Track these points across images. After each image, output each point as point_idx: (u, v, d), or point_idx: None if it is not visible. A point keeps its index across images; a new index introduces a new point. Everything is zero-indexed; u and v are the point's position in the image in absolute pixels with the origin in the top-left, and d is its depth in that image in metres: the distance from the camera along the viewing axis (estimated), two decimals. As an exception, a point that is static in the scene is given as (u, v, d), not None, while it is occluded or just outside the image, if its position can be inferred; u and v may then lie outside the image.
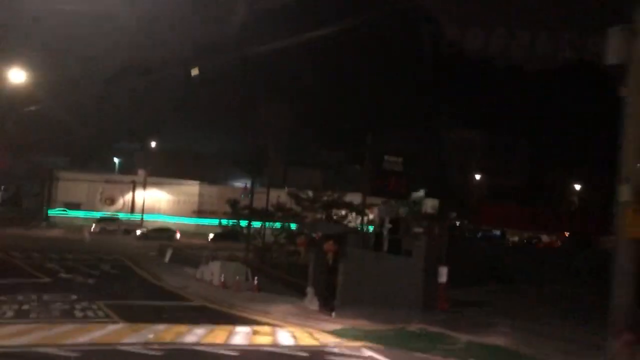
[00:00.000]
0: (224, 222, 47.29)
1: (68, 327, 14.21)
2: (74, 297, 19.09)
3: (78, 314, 16.73)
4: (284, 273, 27.28)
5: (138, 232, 53.90)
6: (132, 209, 62.58)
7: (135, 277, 28.31)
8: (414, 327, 14.97)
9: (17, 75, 22.94)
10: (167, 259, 35.88)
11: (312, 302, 18.41)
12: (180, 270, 30.85)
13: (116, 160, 71.31)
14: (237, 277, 23.29)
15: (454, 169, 61.44)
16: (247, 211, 38.35)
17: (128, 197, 62.61)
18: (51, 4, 25.84)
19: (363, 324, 15.71)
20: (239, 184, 69.89)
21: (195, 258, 32.51)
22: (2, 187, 66.96)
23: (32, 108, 32.51)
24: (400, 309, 16.82)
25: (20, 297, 18.36)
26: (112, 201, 61.81)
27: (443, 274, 17.06)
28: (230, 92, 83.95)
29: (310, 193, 37.32)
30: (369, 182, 28.09)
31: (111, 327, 14.54)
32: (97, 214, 60.68)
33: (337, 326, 15.49)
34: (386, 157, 24.68)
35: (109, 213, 61.47)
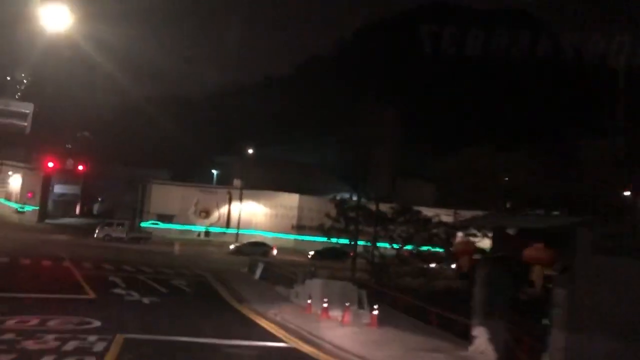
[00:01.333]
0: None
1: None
2: (95, 324, 12.32)
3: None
4: (413, 299, 19.00)
5: (231, 246, 48.13)
6: (228, 223, 57.37)
7: (209, 297, 21.56)
8: None
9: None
10: (257, 275, 29.13)
11: (487, 354, 10.01)
12: (270, 291, 23.79)
13: (214, 172, 67.09)
14: (347, 304, 15.43)
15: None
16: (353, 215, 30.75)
17: (223, 210, 57.52)
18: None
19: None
20: (343, 196, 62.76)
21: (291, 276, 25.39)
22: (100, 199, 65.14)
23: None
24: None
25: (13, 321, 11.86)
26: (206, 214, 57.07)
27: None
28: (331, 99, 78.14)
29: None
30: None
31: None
32: (191, 227, 56.10)
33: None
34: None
35: (202, 227, 56.70)
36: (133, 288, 20.60)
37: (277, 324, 15.79)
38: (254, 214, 58.15)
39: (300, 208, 58.62)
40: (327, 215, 35.11)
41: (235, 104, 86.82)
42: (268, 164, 62.51)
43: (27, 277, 22.68)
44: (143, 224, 54.41)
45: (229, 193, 57.52)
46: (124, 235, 46.37)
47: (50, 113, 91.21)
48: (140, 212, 55.76)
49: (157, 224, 54.95)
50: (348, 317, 15.25)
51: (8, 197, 58.00)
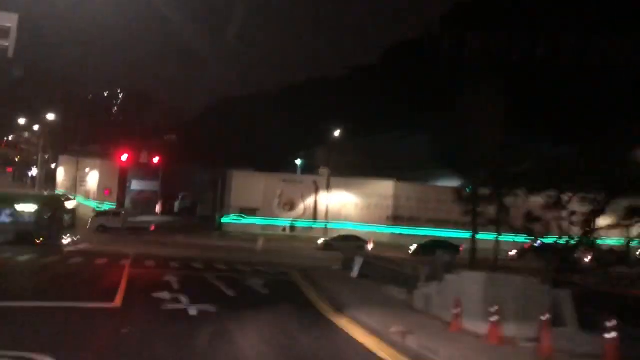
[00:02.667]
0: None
1: None
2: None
3: None
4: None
5: (320, 241, 41.86)
6: (315, 215, 51.19)
7: (293, 303, 15.08)
8: None
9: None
10: (355, 272, 22.41)
11: None
12: (376, 293, 16.98)
13: (298, 162, 61.36)
14: (544, 317, 8.09)
15: None
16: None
17: (310, 201, 51.40)
18: None
19: None
20: (448, 184, 54.58)
21: (398, 273, 18.41)
22: (180, 196, 61.48)
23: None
24: None
25: None
26: (291, 206, 51.21)
27: None
28: (422, 83, 70.30)
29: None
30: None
31: None
32: (276, 221, 50.51)
33: None
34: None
35: (287, 221, 50.92)
36: (187, 291, 14.52)
37: (411, 355, 8.89)
38: (343, 205, 51.54)
39: (397, 197, 51.28)
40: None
41: (320, 96, 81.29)
42: (357, 150, 55.71)
43: (59, 279, 17.48)
44: (225, 219, 49.48)
45: (315, 182, 51.31)
46: (119, 225, 41.14)
47: (134, 118, 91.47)
48: (221, 206, 50.94)
49: (239, 218, 49.84)
50: (548, 342, 8.02)
51: (86, 196, 55.52)
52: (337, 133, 49.37)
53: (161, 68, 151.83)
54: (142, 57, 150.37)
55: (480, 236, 50.57)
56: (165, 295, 13.77)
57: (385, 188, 51.45)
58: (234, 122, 79.48)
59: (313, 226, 51.25)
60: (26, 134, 67.90)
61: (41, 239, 27.68)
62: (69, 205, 31.24)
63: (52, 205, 29.72)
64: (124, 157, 47.26)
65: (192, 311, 11.95)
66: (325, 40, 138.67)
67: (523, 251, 39.90)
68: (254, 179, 51.13)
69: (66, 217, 29.82)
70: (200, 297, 13.61)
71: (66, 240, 29.60)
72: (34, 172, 71.79)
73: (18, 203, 28.68)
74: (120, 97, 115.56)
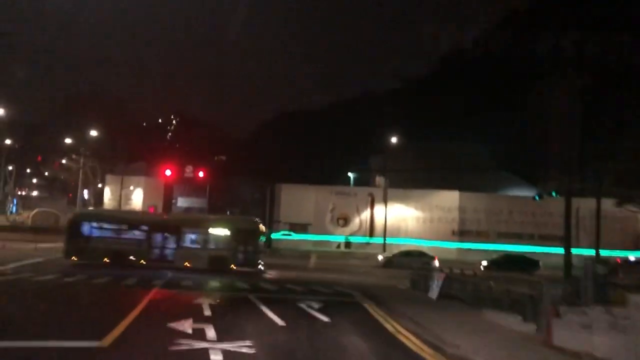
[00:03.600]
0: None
1: None
2: None
3: None
4: None
5: (380, 257, 37.38)
6: (371, 231, 46.84)
7: (367, 337, 10.81)
8: None
9: None
10: (434, 293, 18.01)
11: None
12: (477, 319, 12.45)
13: (351, 175, 57.39)
14: None
15: None
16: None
17: (365, 215, 47.12)
18: None
19: None
20: (517, 192, 49.23)
21: (502, 294, 13.92)
22: (228, 212, 58.44)
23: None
24: None
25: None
26: (345, 221, 47.09)
27: None
28: (481, 89, 65.52)
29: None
30: None
31: None
32: (328, 237, 46.49)
33: None
34: None
35: (341, 237, 46.78)
36: (219, 319, 10.63)
37: None
38: (402, 219, 46.97)
39: (462, 209, 46.35)
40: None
41: (371, 109, 77.60)
42: (414, 160, 51.13)
43: (55, 305, 13.97)
44: (274, 236, 45.80)
45: (371, 195, 47.06)
46: None
47: (186, 143, 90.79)
48: (269, 222, 47.41)
49: (289, 234, 46.08)
50: None
51: (131, 214, 53.29)
52: (394, 139, 44.98)
53: (213, 92, 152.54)
54: (194, 82, 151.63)
55: (550, 250, 44.84)
56: (186, 326, 9.92)
57: (449, 199, 46.62)
58: (283, 139, 76.83)
59: (370, 242, 46.90)
60: (74, 156, 67.14)
61: (236, 265, 25.92)
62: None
63: (247, 228, 27.32)
64: (168, 172, 44.57)
65: (216, 355, 7.98)
66: (374, 54, 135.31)
67: (615, 266, 34.31)
68: (304, 192, 47.37)
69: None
70: (236, 329, 9.76)
71: (263, 266, 27.34)
72: (85, 194, 70.95)
73: (211, 227, 26.78)
74: (174, 123, 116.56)
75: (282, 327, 11.41)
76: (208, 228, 26.63)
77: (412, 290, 22.42)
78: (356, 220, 47.20)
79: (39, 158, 50.22)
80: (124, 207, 54.34)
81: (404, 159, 51.02)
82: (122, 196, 52.63)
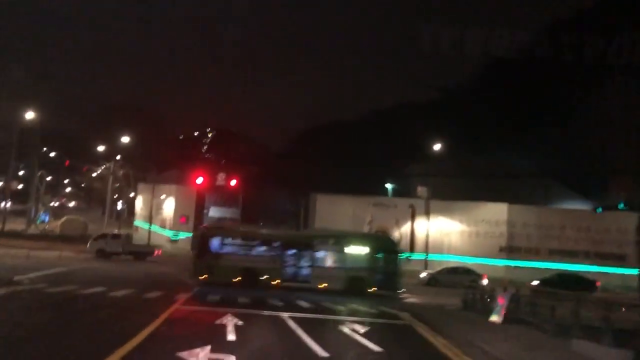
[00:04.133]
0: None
1: None
2: None
3: None
4: None
5: (422, 274, 34.63)
6: (412, 246, 43.99)
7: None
8: None
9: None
10: (498, 316, 15.30)
11: None
12: (568, 355, 9.77)
13: (389, 186, 54.76)
14: None
15: None
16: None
17: (405, 228, 44.34)
18: None
19: None
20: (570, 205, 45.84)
21: (578, 319, 11.18)
22: (261, 224, 56.46)
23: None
24: None
25: None
26: (384, 234, 44.31)
27: None
28: (526, 100, 62.26)
29: None
30: None
31: None
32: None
33: None
34: None
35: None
36: (242, 345, 8.38)
37: None
38: (446, 233, 44.01)
39: (511, 223, 43.10)
40: None
41: (409, 120, 75.11)
42: (457, 171, 48.21)
43: (64, 326, 11.94)
44: (307, 249, 43.47)
45: (412, 206, 44.28)
46: (120, 249, 36.00)
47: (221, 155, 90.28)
48: (303, 235, 45.12)
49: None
50: None
51: (162, 225, 51.75)
52: (437, 146, 42.16)
53: (247, 106, 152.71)
54: (229, 97, 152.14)
55: (608, 269, 40.92)
56: (202, 355, 7.66)
57: (496, 213, 43.47)
58: (317, 150, 75.08)
59: (410, 258, 44.01)
60: (105, 165, 66.75)
61: (375, 287, 23.73)
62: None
63: (387, 247, 25.55)
64: (199, 180, 42.93)
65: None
66: (412, 64, 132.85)
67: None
68: (340, 203, 44.94)
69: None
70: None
71: (402, 289, 25.15)
72: (119, 205, 70.36)
73: (348, 244, 24.85)
74: (210, 136, 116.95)
75: (323, 357, 9.07)
76: (345, 245, 24.54)
77: (465, 312, 19.79)
78: (395, 234, 44.38)
79: (67, 163, 49.39)
80: (155, 217, 53.03)
81: (445, 170, 48.28)
82: (154, 205, 51.30)
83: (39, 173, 42.02)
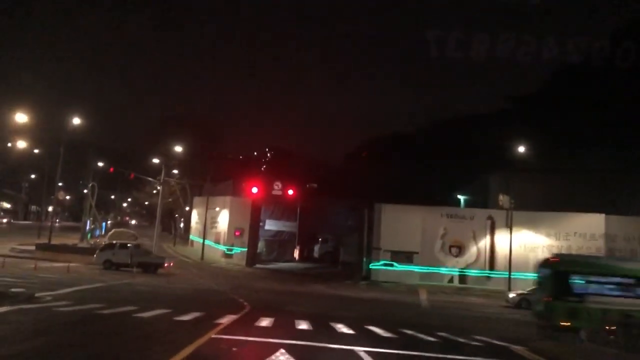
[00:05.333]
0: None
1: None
2: None
3: None
4: None
5: (511, 295, 29.44)
6: (492, 262, 38.81)
7: None
8: None
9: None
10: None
11: None
12: None
13: (461, 197, 49.72)
14: None
15: None
16: None
17: (483, 243, 39.19)
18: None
19: None
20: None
21: None
22: (320, 238, 52.65)
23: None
24: None
25: None
26: (459, 249, 39.38)
27: None
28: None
29: None
30: None
31: None
32: (438, 269, 39.12)
33: None
34: None
35: (455, 269, 39.15)
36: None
37: None
38: (531, 249, 38.48)
39: (610, 236, 37.12)
40: None
41: (476, 130, 69.69)
42: (546, 177, 42.57)
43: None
44: (373, 266, 39.08)
45: (491, 218, 39.13)
46: (128, 260, 32.00)
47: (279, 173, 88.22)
48: (368, 250, 40.82)
49: (391, 264, 39.11)
50: None
51: (217, 239, 48.83)
52: (521, 149, 36.82)
53: (305, 124, 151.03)
54: (286, 117, 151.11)
55: None
56: None
57: (591, 224, 37.58)
58: (378, 163, 70.74)
59: (490, 276, 38.81)
60: (160, 178, 65.10)
61: None
62: None
63: None
64: (255, 189, 39.75)
65: None
66: (476, 76, 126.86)
67: None
68: (408, 213, 40.34)
69: None
70: None
71: None
72: (181, 223, 68.74)
73: None
74: (269, 155, 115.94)
75: None
76: None
77: (594, 345, 14.94)
78: (472, 249, 39.33)
79: (132, 175, 47.38)
80: (210, 231, 50.27)
81: (529, 177, 42.82)
82: (208, 218, 48.60)
83: (90, 184, 40.06)
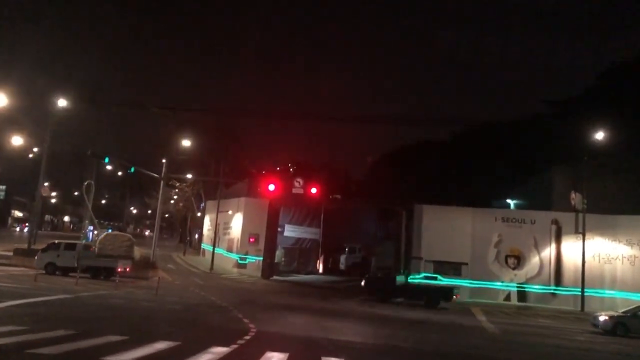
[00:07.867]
0: None
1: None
2: None
3: None
4: None
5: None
6: (558, 275, 31.92)
7: None
8: None
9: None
10: None
11: None
12: None
13: (511, 202, 43.02)
14: None
15: None
16: None
17: (546, 253, 32.32)
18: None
19: None
20: None
21: None
22: (347, 248, 46.24)
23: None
24: None
25: None
26: (517, 260, 32.54)
27: None
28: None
29: None
30: None
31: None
32: (492, 284, 32.42)
33: None
34: None
35: (512, 284, 32.39)
36: None
37: None
38: (607, 259, 31.53)
39: None
40: None
41: (522, 133, 62.89)
42: (619, 176, 35.52)
43: None
44: (412, 279, 32.35)
45: (556, 222, 32.30)
46: (74, 263, 25.95)
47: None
48: (405, 260, 34.26)
49: (434, 277, 32.41)
50: None
51: (229, 247, 42.67)
52: (599, 135, 29.91)
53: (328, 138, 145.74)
54: (308, 131, 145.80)
55: None
56: None
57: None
58: (412, 169, 64.23)
59: (555, 293, 31.88)
60: (178, 184, 59.89)
61: None
62: None
63: None
64: (271, 187, 33.53)
65: None
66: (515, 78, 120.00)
67: None
68: (455, 217, 33.78)
69: None
70: None
71: None
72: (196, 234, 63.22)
73: None
74: (292, 170, 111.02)
75: None
76: None
77: None
78: (534, 260, 32.46)
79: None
80: (222, 237, 44.21)
81: (599, 176, 35.76)
82: (219, 223, 42.55)
83: (86, 182, 34.59)
